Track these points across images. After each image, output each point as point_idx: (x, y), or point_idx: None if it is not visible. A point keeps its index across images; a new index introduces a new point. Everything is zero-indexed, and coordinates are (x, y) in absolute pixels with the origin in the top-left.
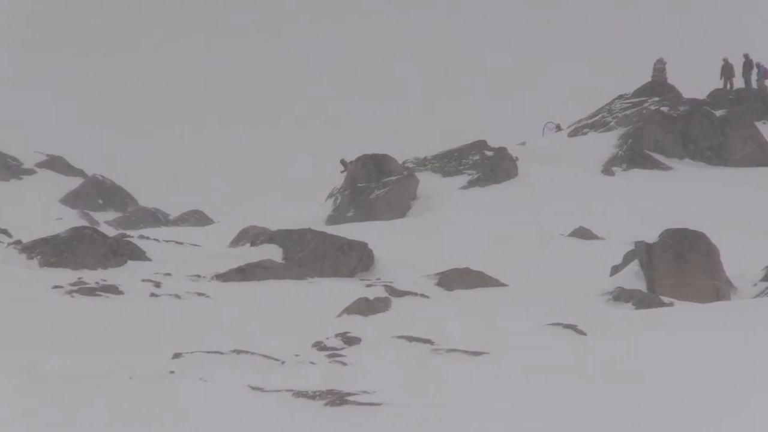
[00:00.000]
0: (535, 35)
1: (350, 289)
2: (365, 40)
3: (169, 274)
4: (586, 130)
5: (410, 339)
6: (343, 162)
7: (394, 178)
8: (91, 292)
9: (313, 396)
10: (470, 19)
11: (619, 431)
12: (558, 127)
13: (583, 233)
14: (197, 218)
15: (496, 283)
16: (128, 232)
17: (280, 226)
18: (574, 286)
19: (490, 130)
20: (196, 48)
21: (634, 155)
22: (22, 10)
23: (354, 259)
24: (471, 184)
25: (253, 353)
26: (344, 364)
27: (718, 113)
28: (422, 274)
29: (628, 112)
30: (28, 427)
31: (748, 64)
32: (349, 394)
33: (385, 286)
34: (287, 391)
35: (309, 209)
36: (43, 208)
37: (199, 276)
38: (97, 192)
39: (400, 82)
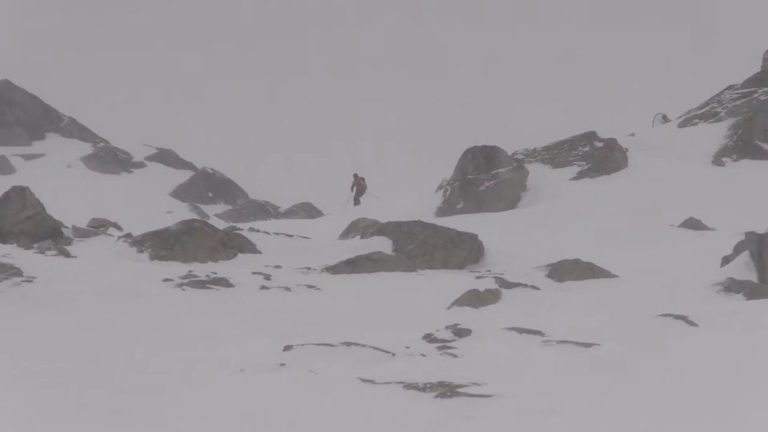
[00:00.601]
0: (644, 27)
1: (460, 280)
2: (478, 37)
3: (279, 267)
4: (696, 120)
5: (521, 330)
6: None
7: (503, 169)
8: (201, 285)
9: (423, 388)
10: (582, 13)
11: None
12: (665, 118)
13: (693, 224)
14: (307, 210)
15: (607, 275)
16: (238, 225)
17: (390, 218)
18: (685, 277)
19: (600, 122)
20: (301, 43)
21: (744, 146)
22: (130, 9)
23: (464, 251)
24: (581, 175)
25: (363, 345)
26: (455, 356)
27: None
28: (532, 266)
29: (737, 103)
30: (139, 420)
31: None
32: (460, 386)
33: (496, 277)
34: (398, 383)
35: (418, 201)
36: (153, 202)
37: (309, 268)
38: (207, 185)
39: (511, 75)
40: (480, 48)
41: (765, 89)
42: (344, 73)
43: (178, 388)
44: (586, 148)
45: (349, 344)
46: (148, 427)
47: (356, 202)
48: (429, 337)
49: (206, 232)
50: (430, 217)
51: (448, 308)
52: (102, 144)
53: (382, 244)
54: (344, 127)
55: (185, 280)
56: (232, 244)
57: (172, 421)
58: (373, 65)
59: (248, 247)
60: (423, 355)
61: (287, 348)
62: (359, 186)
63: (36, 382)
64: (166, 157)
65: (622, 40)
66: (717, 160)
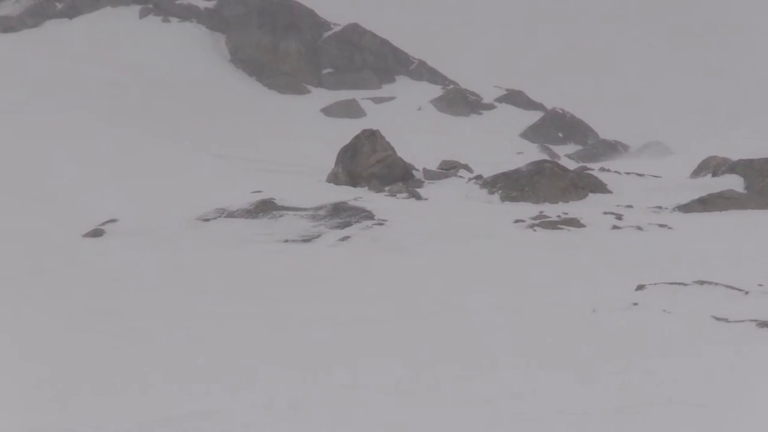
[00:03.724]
0: None
1: None
2: None
3: (630, 206)
4: None
5: None
6: None
7: None
8: (552, 225)
9: None
10: None
11: None
12: None
13: None
14: (657, 150)
15: None
16: (588, 165)
17: (741, 156)
18: None
19: None
20: None
21: None
22: None
23: None
24: None
25: (716, 284)
26: None
27: None
28: None
29: None
30: (477, 359)
31: None
32: None
33: None
34: (751, 321)
35: None
36: (503, 143)
37: (660, 207)
38: (557, 125)
39: None
40: None
41: None
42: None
43: (528, 327)
44: None
45: (701, 283)
46: (494, 365)
47: None
48: None
49: (557, 172)
50: None
51: None
52: (452, 86)
53: (734, 182)
54: (692, 62)
55: (536, 221)
56: (582, 185)
57: (526, 363)
58: None
59: (599, 187)
60: None
61: (640, 287)
62: None
63: (381, 325)
64: (515, 99)
65: None
66: None
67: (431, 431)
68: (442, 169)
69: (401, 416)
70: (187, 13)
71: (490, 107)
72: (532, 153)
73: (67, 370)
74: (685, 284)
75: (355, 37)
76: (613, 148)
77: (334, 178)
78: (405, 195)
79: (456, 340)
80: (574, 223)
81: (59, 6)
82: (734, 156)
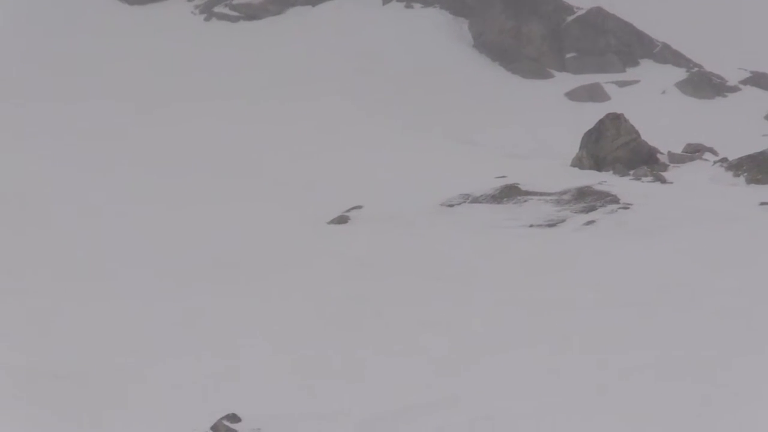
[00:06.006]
0: None
1: None
2: None
3: None
4: None
5: None
6: None
7: None
8: None
9: None
10: None
11: None
12: None
13: None
14: None
15: None
16: None
17: None
18: None
19: None
20: None
21: None
22: None
23: None
24: None
25: None
26: None
27: None
28: None
29: None
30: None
31: None
32: None
33: None
34: None
35: None
36: (747, 125)
37: None
38: None
39: None
40: None
41: None
42: None
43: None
44: None
45: None
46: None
47: None
48: None
49: None
50: None
51: None
52: (696, 69)
53: None
54: None
55: None
56: None
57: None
58: None
59: None
60: None
61: None
62: None
63: (638, 309)
64: (760, 80)
65: None
66: None
67: None
68: (686, 152)
69: None
70: None
71: (734, 89)
72: None
73: (318, 356)
74: None
75: (598, 21)
76: None
77: (578, 162)
78: (650, 179)
79: (715, 328)
80: None
81: None
82: None
